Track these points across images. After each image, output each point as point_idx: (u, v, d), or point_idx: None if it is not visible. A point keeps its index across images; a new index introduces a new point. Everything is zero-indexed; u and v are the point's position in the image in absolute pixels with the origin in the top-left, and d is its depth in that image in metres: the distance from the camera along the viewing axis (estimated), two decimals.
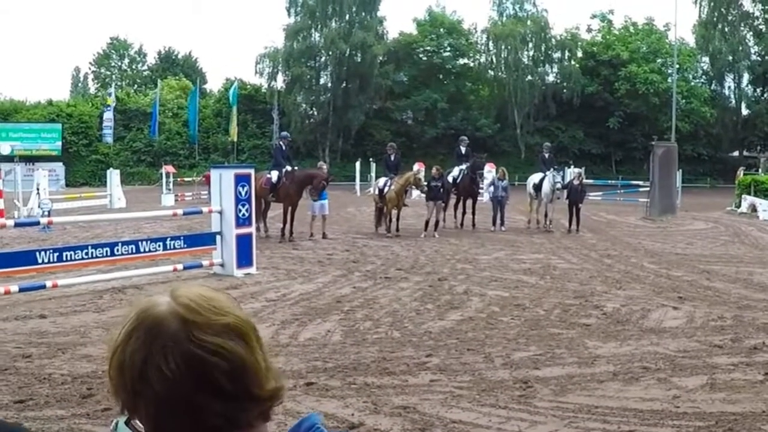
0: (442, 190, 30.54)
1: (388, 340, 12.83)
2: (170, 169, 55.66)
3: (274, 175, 28.85)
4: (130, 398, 1.76)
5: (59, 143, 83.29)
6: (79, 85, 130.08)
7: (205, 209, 22.42)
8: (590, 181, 50.87)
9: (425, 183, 30.88)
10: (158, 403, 1.71)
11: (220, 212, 20.10)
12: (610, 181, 63.39)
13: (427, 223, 30.38)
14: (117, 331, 1.80)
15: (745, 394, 9.88)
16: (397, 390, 10.02)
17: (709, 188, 76.14)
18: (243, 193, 20.25)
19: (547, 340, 12.86)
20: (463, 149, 34.64)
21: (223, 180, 20.22)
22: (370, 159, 63.61)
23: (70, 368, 10.86)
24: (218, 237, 20.08)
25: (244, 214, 20.29)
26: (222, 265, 19.97)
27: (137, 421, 1.80)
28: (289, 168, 28.93)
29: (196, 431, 1.74)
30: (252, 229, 20.95)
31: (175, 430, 1.74)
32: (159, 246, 19.01)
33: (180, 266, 19.40)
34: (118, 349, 1.77)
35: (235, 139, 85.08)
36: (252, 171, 21.67)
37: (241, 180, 20.29)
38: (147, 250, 18.62)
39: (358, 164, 64.41)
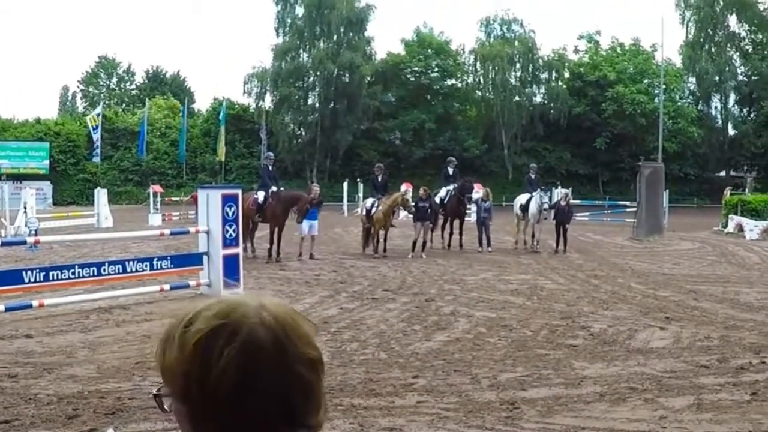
0: (429, 210, 30.59)
1: (375, 361, 12.79)
2: (158, 188, 55.64)
3: (260, 195, 28.87)
4: (198, 396, 1.72)
5: (47, 162, 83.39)
6: (68, 103, 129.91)
7: (192, 229, 22.39)
8: (577, 202, 50.92)
9: (412, 203, 30.85)
10: (231, 414, 1.71)
11: (207, 232, 20.06)
12: (597, 202, 63.45)
13: (414, 243, 30.39)
14: (188, 318, 1.78)
15: (732, 414, 9.89)
16: (383, 411, 9.99)
17: (696, 208, 76.28)
18: (230, 214, 20.22)
19: (533, 361, 12.84)
20: (450, 170, 34.71)
21: (210, 200, 20.19)
22: (358, 179, 63.57)
23: (56, 388, 10.80)
24: (205, 257, 20.04)
25: (231, 235, 20.26)
26: (209, 286, 19.88)
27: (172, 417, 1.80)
28: (275, 188, 28.95)
29: None
30: (239, 250, 20.92)
31: None
32: (146, 266, 18.96)
33: (167, 286, 19.33)
34: (191, 347, 1.73)
35: (223, 159, 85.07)
36: (239, 191, 21.69)
37: (228, 200, 20.26)
38: (134, 270, 18.57)
39: (345, 184, 64.37)
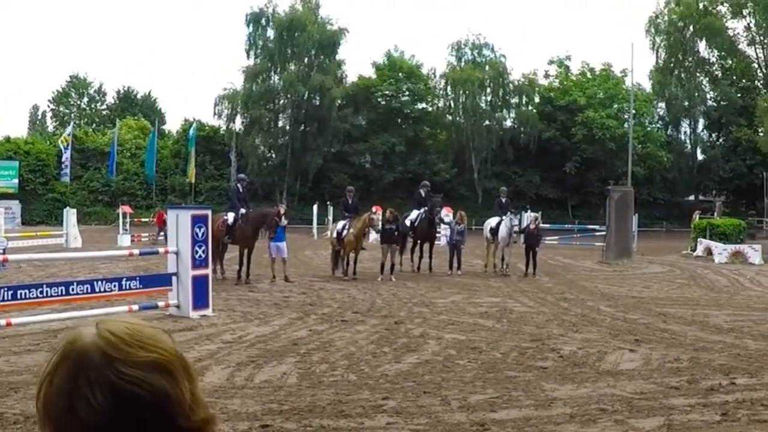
0: (397, 233, 30.61)
1: (345, 383, 12.73)
2: (127, 209, 55.53)
3: (230, 217, 28.80)
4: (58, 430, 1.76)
5: (16, 181, 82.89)
6: (37, 122, 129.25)
7: (161, 250, 22.28)
8: (547, 226, 51.07)
9: (380, 223, 30.81)
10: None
11: (177, 253, 19.96)
12: (566, 226, 63.69)
13: (382, 266, 30.37)
14: (45, 363, 1.80)
15: None
16: None
17: (665, 232, 76.54)
18: (200, 234, 20.14)
19: (503, 382, 12.81)
20: (423, 193, 34.63)
21: (180, 221, 20.09)
22: (328, 202, 63.38)
23: (22, 408, 10.68)
24: (174, 278, 19.93)
25: (201, 255, 20.16)
26: (178, 307, 19.77)
27: None
28: (244, 210, 28.87)
29: None
30: (209, 271, 20.83)
31: None
32: (114, 286, 18.83)
33: (135, 307, 19.18)
34: (45, 381, 1.77)
35: (193, 181, 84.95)
36: (209, 212, 21.59)
37: (198, 221, 20.18)
38: (102, 290, 18.43)
39: (315, 207, 64.34)
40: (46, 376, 1.76)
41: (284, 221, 29.21)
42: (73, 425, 1.71)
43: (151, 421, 1.72)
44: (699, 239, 43.84)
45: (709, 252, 41.39)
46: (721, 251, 40.13)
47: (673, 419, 10.54)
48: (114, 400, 1.69)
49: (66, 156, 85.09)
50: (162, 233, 47.99)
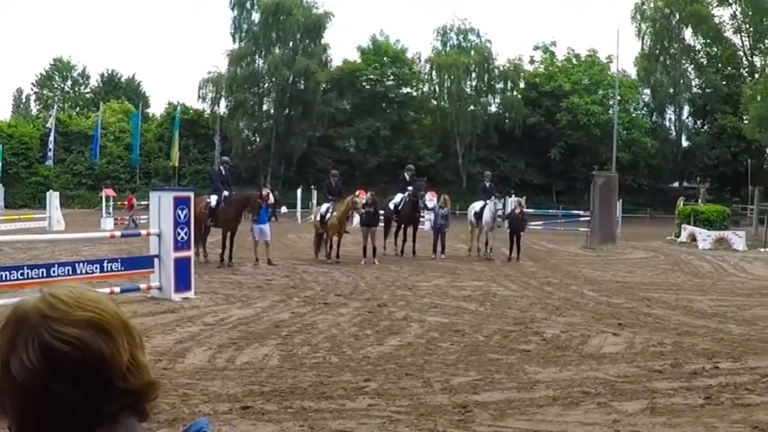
0: (375, 216, 30.67)
1: (326, 365, 12.68)
2: (110, 192, 55.31)
3: (213, 199, 28.67)
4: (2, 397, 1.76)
5: None
6: (21, 106, 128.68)
7: (143, 232, 22.16)
8: (531, 211, 51.14)
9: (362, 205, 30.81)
10: (20, 394, 1.71)
11: (159, 235, 19.85)
12: (551, 211, 63.66)
13: (364, 249, 30.42)
14: None
15: (686, 418, 9.86)
16: (334, 414, 9.88)
17: (650, 218, 76.53)
18: (182, 216, 20.02)
19: (486, 365, 12.76)
20: (407, 176, 34.50)
21: (162, 203, 19.97)
22: (312, 186, 63.17)
23: None
24: (156, 260, 19.81)
25: (183, 238, 20.05)
26: (160, 289, 19.66)
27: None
28: (227, 193, 28.73)
29: (58, 421, 1.73)
30: (191, 253, 20.73)
31: (39, 421, 1.73)
32: (96, 268, 18.68)
33: (117, 289, 19.00)
34: None
35: (177, 164, 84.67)
36: (192, 194, 21.49)
37: (180, 203, 20.06)
38: (84, 272, 18.28)
39: (299, 191, 64.16)
40: None
41: (272, 199, 29.18)
42: (8, 385, 1.70)
43: (88, 382, 1.71)
44: (683, 225, 43.84)
45: (693, 238, 41.38)
46: (705, 237, 40.13)
47: (656, 402, 10.51)
48: (46, 359, 1.69)
49: (50, 139, 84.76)
50: (132, 219, 47.93)
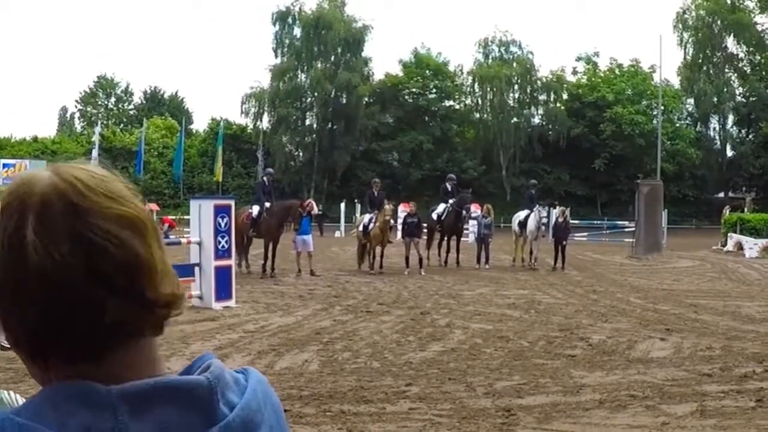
0: (418, 227, 30.59)
1: (367, 370, 12.51)
2: (154, 207, 55.46)
3: (255, 209, 28.62)
4: (3, 291, 1.41)
5: None
6: (66, 124, 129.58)
7: (183, 240, 22.09)
8: (576, 222, 50.70)
9: (391, 215, 30.71)
10: (44, 293, 1.37)
11: (199, 243, 19.76)
12: (596, 222, 63.29)
13: (407, 259, 30.22)
14: None
15: (737, 420, 9.61)
16: (373, 417, 9.71)
17: (695, 229, 76.00)
18: (223, 225, 19.94)
19: (531, 370, 12.55)
20: (449, 186, 34.34)
21: (202, 211, 19.89)
22: (356, 200, 63.03)
23: None
24: (197, 268, 19.71)
25: (223, 246, 19.97)
26: (200, 298, 19.57)
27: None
28: (268, 204, 28.64)
29: (83, 332, 1.41)
30: (232, 262, 20.63)
31: (59, 327, 1.40)
32: None
33: None
34: None
35: (220, 179, 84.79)
36: (232, 202, 21.42)
37: (220, 211, 19.99)
38: None
39: (342, 205, 64.12)
40: None
41: (316, 209, 29.08)
42: (28, 284, 1.39)
43: (118, 284, 1.40)
44: (729, 234, 43.42)
45: (739, 247, 40.96)
46: (752, 246, 39.70)
47: (706, 405, 10.27)
48: (80, 252, 1.38)
49: (94, 155, 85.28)
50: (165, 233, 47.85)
